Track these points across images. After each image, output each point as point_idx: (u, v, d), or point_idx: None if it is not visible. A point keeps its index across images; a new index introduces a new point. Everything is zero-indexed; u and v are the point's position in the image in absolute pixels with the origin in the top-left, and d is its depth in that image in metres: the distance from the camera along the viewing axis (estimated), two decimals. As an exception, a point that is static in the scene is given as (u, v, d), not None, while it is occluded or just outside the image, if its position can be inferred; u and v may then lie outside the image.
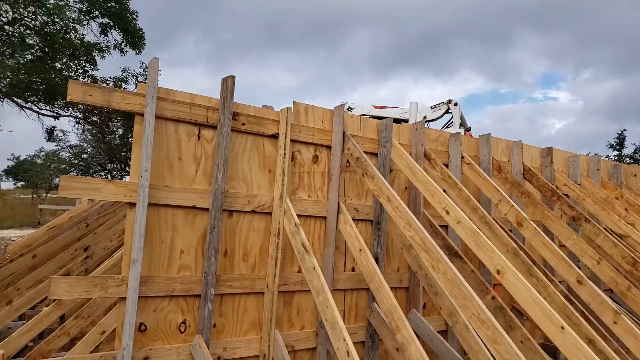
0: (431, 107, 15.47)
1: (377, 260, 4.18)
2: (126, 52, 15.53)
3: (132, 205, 3.15)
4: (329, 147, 4.12)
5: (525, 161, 5.62)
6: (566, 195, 5.67)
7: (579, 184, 6.00)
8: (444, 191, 4.41)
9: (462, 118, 15.11)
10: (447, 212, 3.64)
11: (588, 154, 8.13)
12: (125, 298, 3.08)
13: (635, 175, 7.07)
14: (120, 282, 3.09)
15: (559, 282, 4.70)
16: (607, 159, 35.01)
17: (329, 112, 4.14)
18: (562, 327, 2.87)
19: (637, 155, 37.36)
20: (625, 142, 37.11)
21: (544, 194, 5.14)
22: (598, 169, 6.31)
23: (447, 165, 4.89)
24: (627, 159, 36.71)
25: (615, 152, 37.33)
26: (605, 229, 5.45)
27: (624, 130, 42.17)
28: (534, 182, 5.23)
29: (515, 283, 3.11)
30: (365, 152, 4.34)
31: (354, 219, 4.20)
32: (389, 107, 15.74)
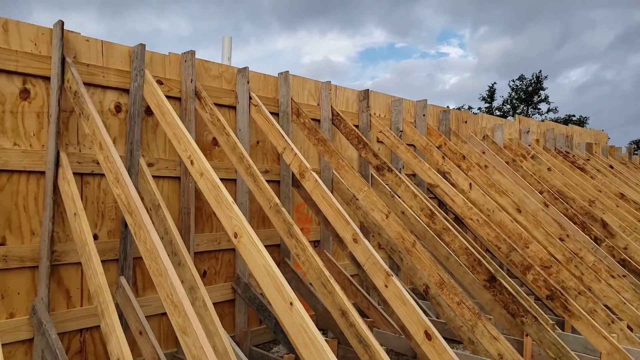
0: None
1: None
2: None
3: None
4: (48, 79, 3.12)
5: (340, 105, 5.06)
6: (381, 142, 5.23)
7: (402, 131, 5.61)
8: (214, 139, 3.65)
9: None
10: (192, 162, 2.90)
11: (461, 107, 7.86)
12: None
13: (465, 122, 6.91)
14: None
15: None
16: (480, 111, 37.08)
17: (46, 31, 3.11)
18: (291, 303, 2.30)
19: (505, 107, 40.14)
20: (495, 95, 39.57)
21: (350, 141, 4.61)
22: (424, 115, 5.96)
23: (235, 108, 4.12)
24: (497, 111, 39.31)
25: (486, 105, 39.75)
26: (421, 180, 5.11)
27: (494, 83, 45.22)
28: (342, 129, 4.68)
29: (250, 248, 2.49)
30: (114, 88, 3.43)
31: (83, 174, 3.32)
32: None
